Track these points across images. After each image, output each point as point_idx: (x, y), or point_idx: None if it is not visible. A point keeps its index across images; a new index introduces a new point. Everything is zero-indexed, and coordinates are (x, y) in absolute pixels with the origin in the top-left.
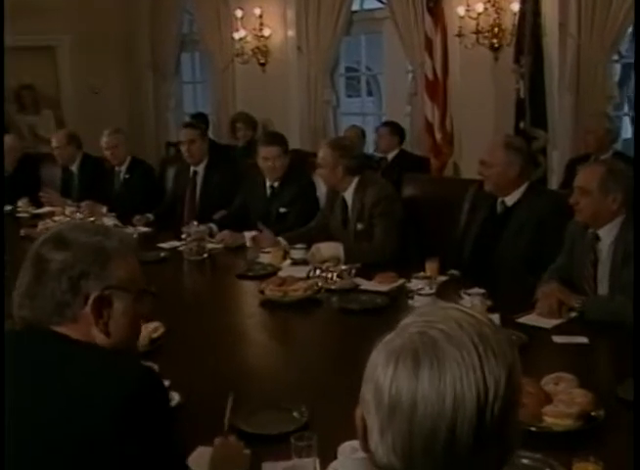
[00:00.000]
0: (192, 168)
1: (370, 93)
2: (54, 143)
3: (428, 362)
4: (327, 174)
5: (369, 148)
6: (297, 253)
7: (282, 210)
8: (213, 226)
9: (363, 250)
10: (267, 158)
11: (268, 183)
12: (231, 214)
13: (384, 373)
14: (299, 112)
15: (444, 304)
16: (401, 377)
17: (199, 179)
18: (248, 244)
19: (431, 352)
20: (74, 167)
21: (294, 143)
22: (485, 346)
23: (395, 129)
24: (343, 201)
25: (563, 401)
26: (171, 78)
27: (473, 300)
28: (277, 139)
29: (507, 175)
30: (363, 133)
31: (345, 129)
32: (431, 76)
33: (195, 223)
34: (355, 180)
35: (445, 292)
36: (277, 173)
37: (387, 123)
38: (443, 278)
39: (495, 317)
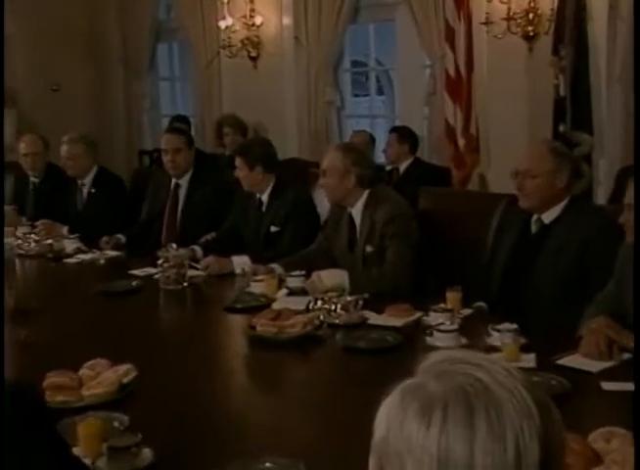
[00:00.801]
0: (173, 181)
1: (380, 92)
2: (24, 149)
3: (483, 409)
4: (334, 185)
5: (379, 156)
6: (295, 281)
7: (273, 228)
8: (198, 249)
9: (373, 277)
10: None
11: (258, 196)
12: (220, 237)
13: (423, 424)
14: (297, 114)
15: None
16: (453, 427)
17: (181, 194)
18: (237, 271)
19: (484, 397)
20: (37, 178)
21: (291, 150)
22: (534, 393)
23: (404, 135)
24: (350, 219)
25: (616, 463)
26: (145, 74)
27: (503, 337)
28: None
29: (553, 187)
30: (372, 139)
31: (352, 134)
32: (452, 72)
33: (173, 246)
34: (365, 194)
35: (470, 328)
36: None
37: (394, 129)
38: (468, 311)
39: (530, 358)
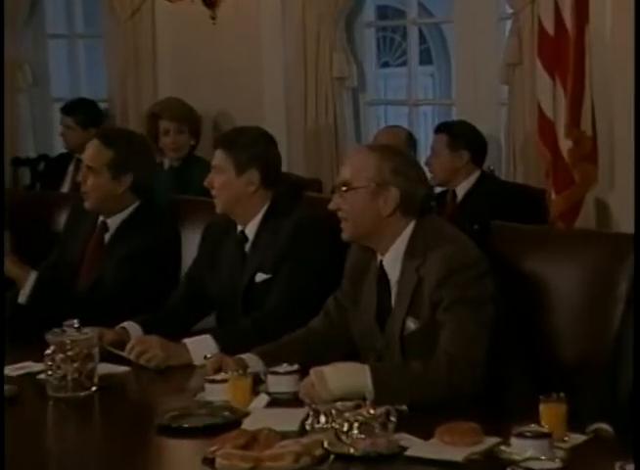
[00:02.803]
0: (100, 218)
1: (426, 60)
2: None
3: None
4: (359, 207)
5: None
6: (281, 382)
7: (260, 276)
8: (133, 327)
9: (415, 375)
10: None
11: (240, 228)
12: (173, 306)
13: None
14: (286, 100)
15: None
16: None
17: (107, 238)
18: (195, 361)
19: None
20: None
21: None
22: None
23: (462, 136)
24: (382, 273)
25: None
26: (22, 28)
27: None
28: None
29: None
30: (412, 141)
31: (377, 133)
32: (550, 28)
33: (74, 325)
34: (409, 229)
35: (583, 465)
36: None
37: (444, 127)
38: (579, 437)
39: None
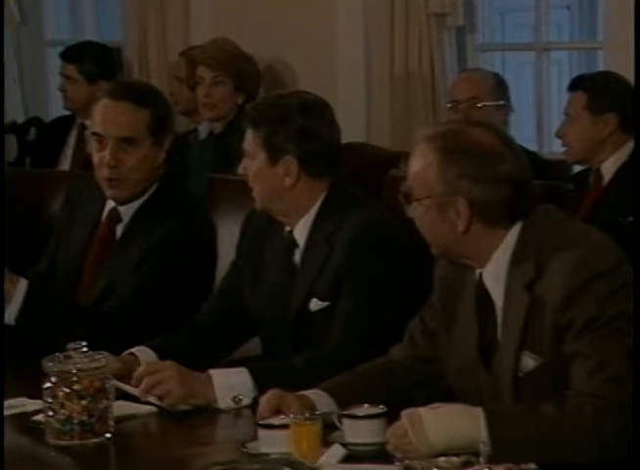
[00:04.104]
0: (108, 205)
1: None
2: None
3: None
4: (428, 227)
5: (548, 143)
6: (361, 429)
7: (316, 304)
8: (146, 353)
9: (548, 421)
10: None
11: (287, 229)
12: (196, 325)
13: None
14: (366, 45)
15: None
16: None
17: (119, 232)
18: (221, 403)
19: None
20: None
21: (349, 127)
22: None
23: (606, 94)
24: (483, 292)
25: None
26: None
27: None
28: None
29: None
30: (502, 87)
31: (454, 82)
32: None
33: (82, 347)
34: (511, 238)
35: None
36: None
37: (581, 82)
38: None
39: None
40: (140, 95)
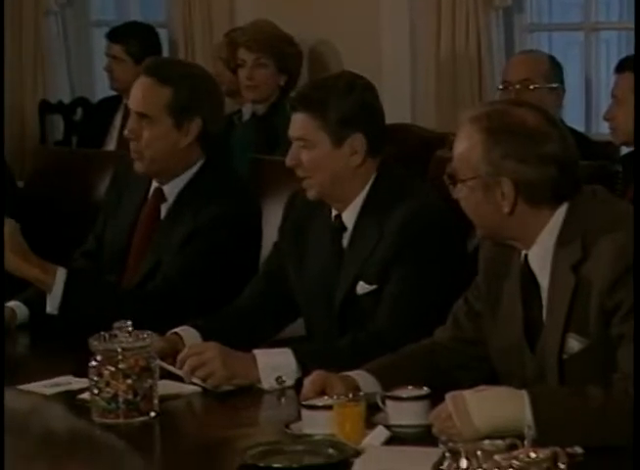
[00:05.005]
0: (153, 185)
1: None
2: None
3: None
4: (472, 208)
5: (596, 124)
6: (405, 411)
7: (362, 287)
8: (190, 333)
9: (594, 404)
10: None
11: (335, 213)
12: (238, 308)
13: None
14: (411, 25)
15: None
16: None
17: (164, 210)
18: (265, 384)
19: None
20: None
21: (396, 107)
22: None
23: None
24: (527, 270)
25: None
26: None
27: None
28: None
29: None
30: (557, 69)
31: (508, 63)
32: None
33: (127, 326)
34: (557, 219)
35: None
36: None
37: (629, 63)
38: None
39: None
40: (165, 73)
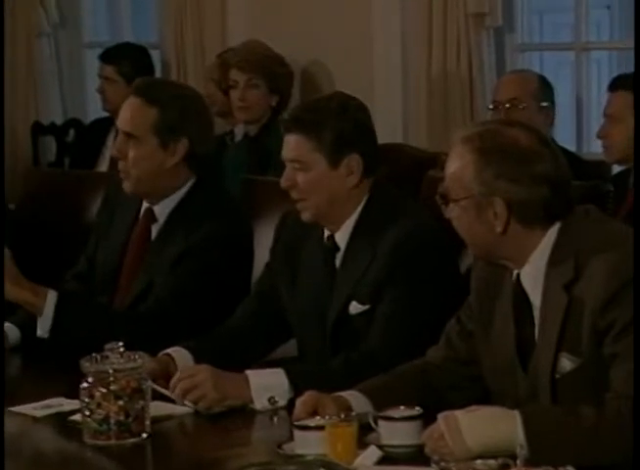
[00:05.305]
0: (144, 205)
1: None
2: None
3: None
4: (465, 227)
5: (588, 143)
6: (398, 431)
7: (355, 307)
8: (182, 354)
9: (587, 423)
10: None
11: (327, 234)
12: (232, 328)
13: None
14: (403, 45)
15: None
16: None
17: (155, 231)
18: (257, 404)
19: None
20: None
21: (386, 127)
22: None
23: None
24: (519, 290)
25: None
26: None
27: None
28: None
29: None
30: (546, 89)
31: (498, 83)
32: None
33: (119, 348)
34: (549, 239)
35: None
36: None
37: (623, 82)
38: None
39: None
40: (153, 94)
